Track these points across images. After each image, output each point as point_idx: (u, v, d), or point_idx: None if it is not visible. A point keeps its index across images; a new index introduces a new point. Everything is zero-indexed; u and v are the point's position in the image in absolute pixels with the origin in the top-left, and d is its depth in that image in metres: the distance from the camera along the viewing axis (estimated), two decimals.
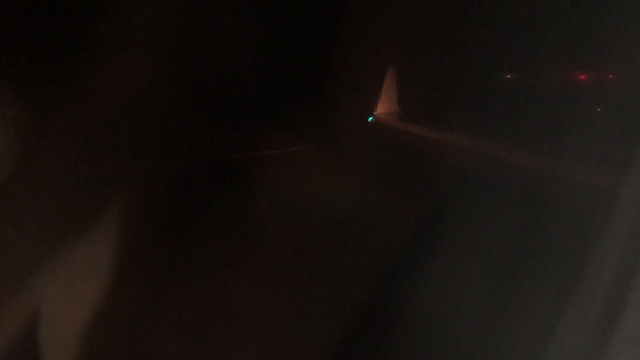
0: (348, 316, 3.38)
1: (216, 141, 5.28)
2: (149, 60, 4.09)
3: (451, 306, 3.29)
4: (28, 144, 3.74)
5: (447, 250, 3.52)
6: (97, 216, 3.57)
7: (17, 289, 3.11)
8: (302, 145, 6.06)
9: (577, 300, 2.26)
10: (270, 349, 3.20)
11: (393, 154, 5.73)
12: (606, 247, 2.16)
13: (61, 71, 3.97)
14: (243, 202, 4.54)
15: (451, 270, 3.39)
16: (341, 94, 5.52)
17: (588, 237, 2.37)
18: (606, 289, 2.10)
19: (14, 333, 2.97)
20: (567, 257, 2.74)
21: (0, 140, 3.67)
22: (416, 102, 6.58)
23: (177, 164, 4.83)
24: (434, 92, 6.25)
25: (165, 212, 3.97)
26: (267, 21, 5.11)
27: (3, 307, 3.05)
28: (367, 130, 6.32)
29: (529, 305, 2.95)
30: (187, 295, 3.48)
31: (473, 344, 2.99)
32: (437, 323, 3.14)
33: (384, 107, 6.65)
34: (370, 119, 6.54)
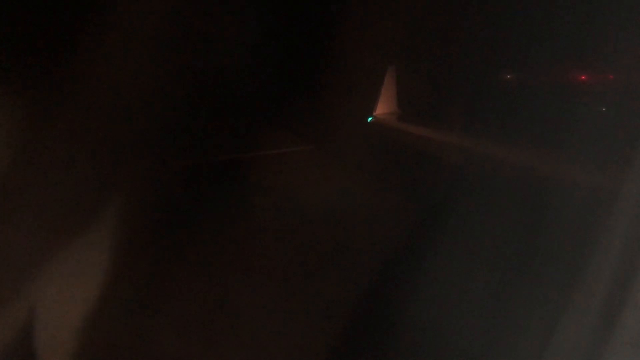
0: (348, 316, 3.39)
1: (216, 141, 5.28)
2: (149, 60, 4.09)
3: (451, 306, 3.29)
4: (28, 144, 3.74)
5: (447, 249, 3.52)
6: (96, 216, 3.57)
7: (17, 289, 3.11)
8: (302, 145, 6.06)
9: (577, 301, 2.26)
10: (270, 349, 3.20)
11: (393, 154, 5.72)
12: (607, 247, 2.15)
13: (60, 71, 3.97)
14: (243, 202, 4.54)
15: (451, 270, 3.39)
16: (341, 94, 5.51)
17: (588, 237, 2.37)
18: (606, 289, 2.10)
19: (14, 333, 2.97)
20: (567, 257, 2.73)
21: (0, 140, 3.67)
22: (416, 102, 6.56)
23: (177, 164, 4.83)
24: (434, 92, 6.24)
25: (165, 212, 3.98)
26: (267, 21, 5.11)
27: (3, 307, 3.05)
28: (366, 130, 6.31)
29: (529, 305, 2.94)
30: (187, 295, 3.49)
31: (473, 344, 2.99)
32: (437, 323, 3.14)
33: (383, 107, 6.63)
34: (370, 119, 6.53)
